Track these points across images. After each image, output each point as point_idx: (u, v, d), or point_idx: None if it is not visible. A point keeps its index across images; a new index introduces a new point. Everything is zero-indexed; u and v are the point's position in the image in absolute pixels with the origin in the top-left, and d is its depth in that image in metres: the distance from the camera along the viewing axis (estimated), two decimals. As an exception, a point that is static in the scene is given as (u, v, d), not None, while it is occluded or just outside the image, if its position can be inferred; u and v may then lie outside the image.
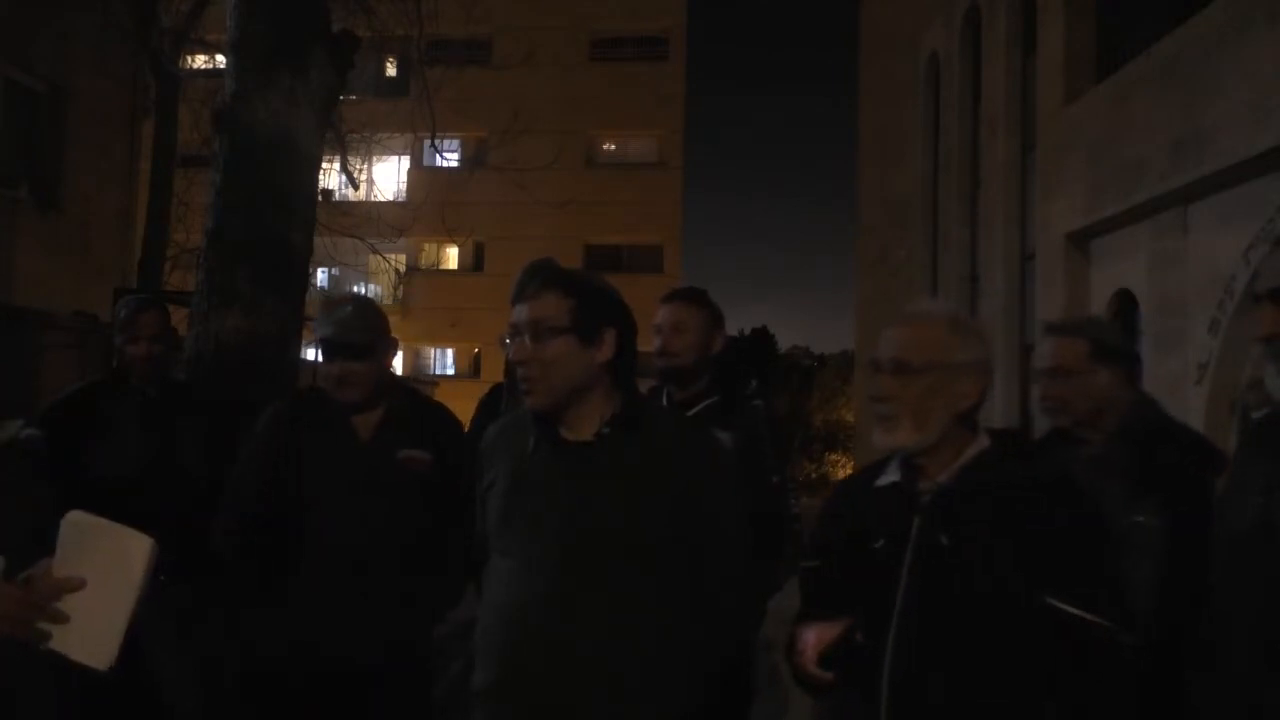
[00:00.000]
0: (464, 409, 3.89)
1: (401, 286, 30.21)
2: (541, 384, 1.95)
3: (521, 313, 1.98)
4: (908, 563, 1.76)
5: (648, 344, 2.62)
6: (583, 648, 1.87)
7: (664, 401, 3.05)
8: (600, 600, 1.89)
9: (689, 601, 1.95)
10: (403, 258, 28.00)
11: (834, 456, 30.93)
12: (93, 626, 1.54)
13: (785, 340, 37.33)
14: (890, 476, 1.88)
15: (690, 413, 2.96)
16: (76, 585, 1.53)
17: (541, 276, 2.01)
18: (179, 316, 4.45)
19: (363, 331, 2.72)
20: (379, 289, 31.24)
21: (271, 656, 2.72)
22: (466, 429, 3.41)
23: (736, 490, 2.08)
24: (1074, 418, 2.54)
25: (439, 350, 32.27)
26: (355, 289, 29.73)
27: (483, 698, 1.98)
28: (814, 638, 1.75)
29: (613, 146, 32.10)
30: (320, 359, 2.75)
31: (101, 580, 1.54)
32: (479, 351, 29.89)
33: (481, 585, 2.07)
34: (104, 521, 1.57)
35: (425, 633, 2.86)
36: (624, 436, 1.97)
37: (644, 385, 2.46)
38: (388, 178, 28.43)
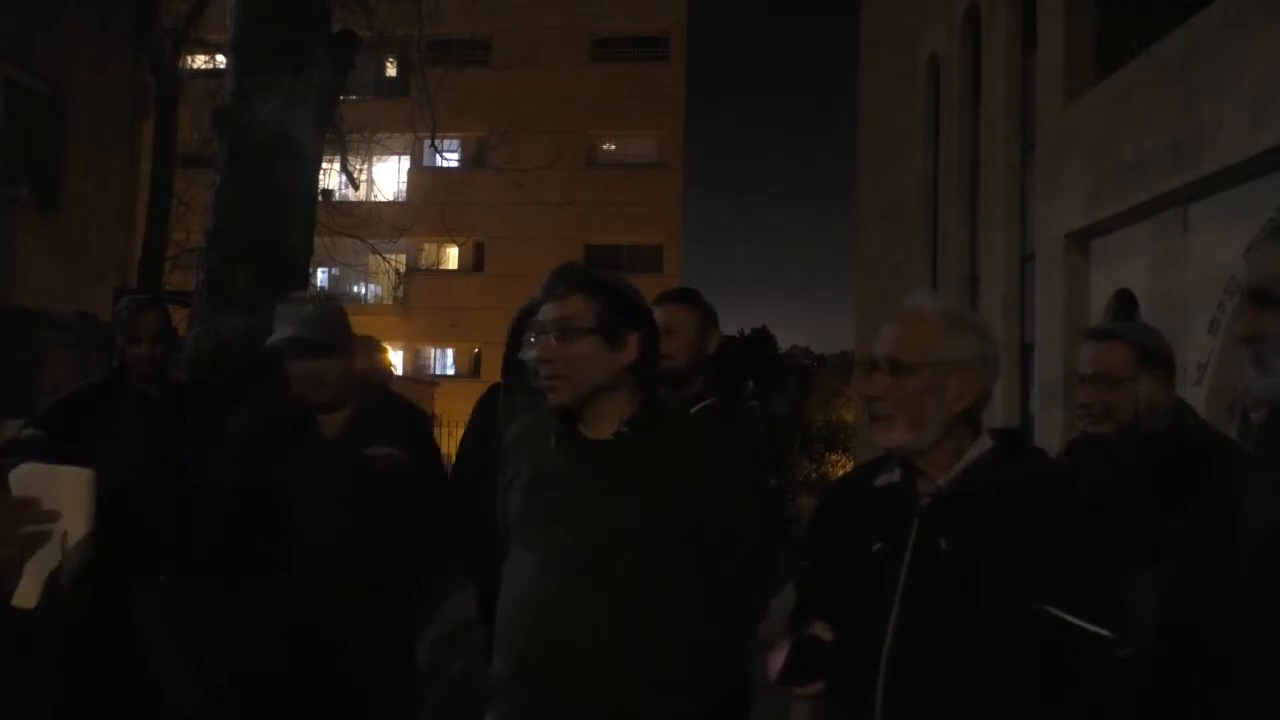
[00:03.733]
0: (464, 409, 3.89)
1: (401, 286, 30.23)
2: (565, 383, 1.99)
3: (548, 312, 2.02)
4: (905, 566, 1.73)
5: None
6: (597, 642, 1.91)
7: None
8: (615, 595, 1.93)
9: (701, 600, 1.99)
10: (403, 258, 28.01)
11: (834, 456, 30.91)
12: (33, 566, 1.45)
13: (785, 340, 37.26)
14: (889, 477, 1.85)
15: None
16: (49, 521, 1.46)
17: (569, 278, 2.05)
18: (179, 316, 4.46)
19: (328, 330, 2.75)
20: (379, 289, 31.29)
21: (256, 654, 2.76)
22: (464, 428, 3.42)
23: (750, 491, 2.13)
24: (1117, 425, 2.45)
25: (439, 350, 32.29)
26: (355, 289, 29.83)
27: (500, 686, 2.03)
28: (774, 659, 1.75)
29: (613, 146, 32.09)
30: (287, 358, 2.75)
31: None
32: (479, 351, 29.89)
33: (502, 578, 2.11)
34: (43, 466, 1.52)
35: (405, 629, 2.89)
36: (642, 436, 2.01)
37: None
38: (388, 178, 28.46)
